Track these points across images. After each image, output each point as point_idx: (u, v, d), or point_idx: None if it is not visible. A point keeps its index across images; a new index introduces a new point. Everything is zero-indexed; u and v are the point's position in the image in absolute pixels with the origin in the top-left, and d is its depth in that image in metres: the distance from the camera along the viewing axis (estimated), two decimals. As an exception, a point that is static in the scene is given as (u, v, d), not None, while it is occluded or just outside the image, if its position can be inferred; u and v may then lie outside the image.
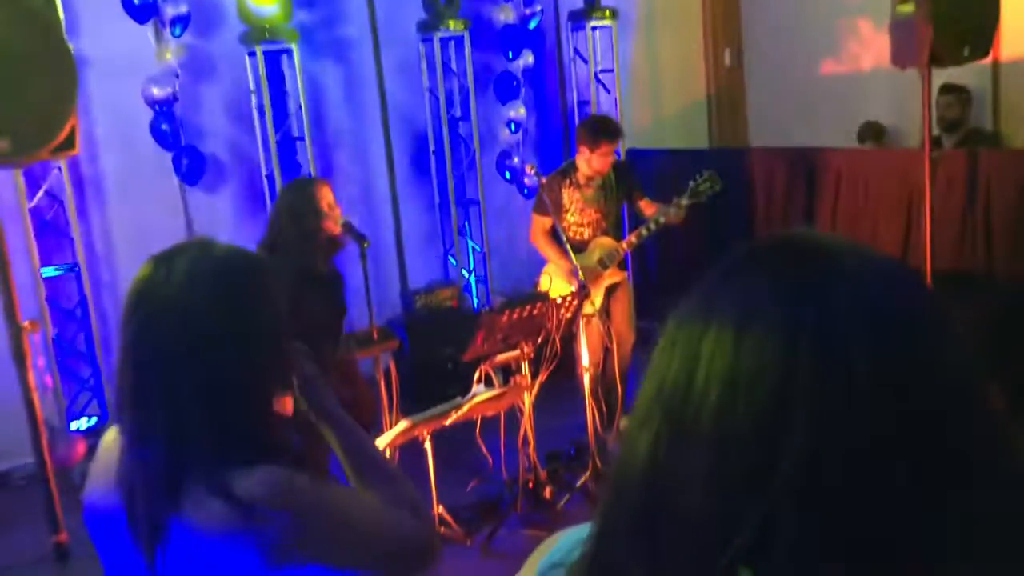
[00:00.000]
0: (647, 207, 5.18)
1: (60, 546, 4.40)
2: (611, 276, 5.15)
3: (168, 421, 1.28)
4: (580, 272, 4.66)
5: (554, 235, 4.99)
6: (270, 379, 1.36)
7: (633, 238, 5.10)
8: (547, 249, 5.09)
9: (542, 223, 5.07)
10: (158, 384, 1.29)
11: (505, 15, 6.82)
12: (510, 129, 6.81)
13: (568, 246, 4.75)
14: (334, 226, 4.14)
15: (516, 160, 6.84)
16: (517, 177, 6.90)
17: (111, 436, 1.46)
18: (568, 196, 5.07)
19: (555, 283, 5.10)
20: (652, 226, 5.05)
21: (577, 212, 5.08)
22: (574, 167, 5.10)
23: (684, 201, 4.99)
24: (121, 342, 1.34)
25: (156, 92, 5.57)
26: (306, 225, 4.05)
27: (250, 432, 1.31)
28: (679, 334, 0.72)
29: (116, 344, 1.37)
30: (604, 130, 4.96)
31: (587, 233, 5.11)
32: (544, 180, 4.95)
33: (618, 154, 5.28)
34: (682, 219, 5.04)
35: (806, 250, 0.73)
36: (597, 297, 4.97)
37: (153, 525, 1.28)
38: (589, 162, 4.96)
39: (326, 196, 4.17)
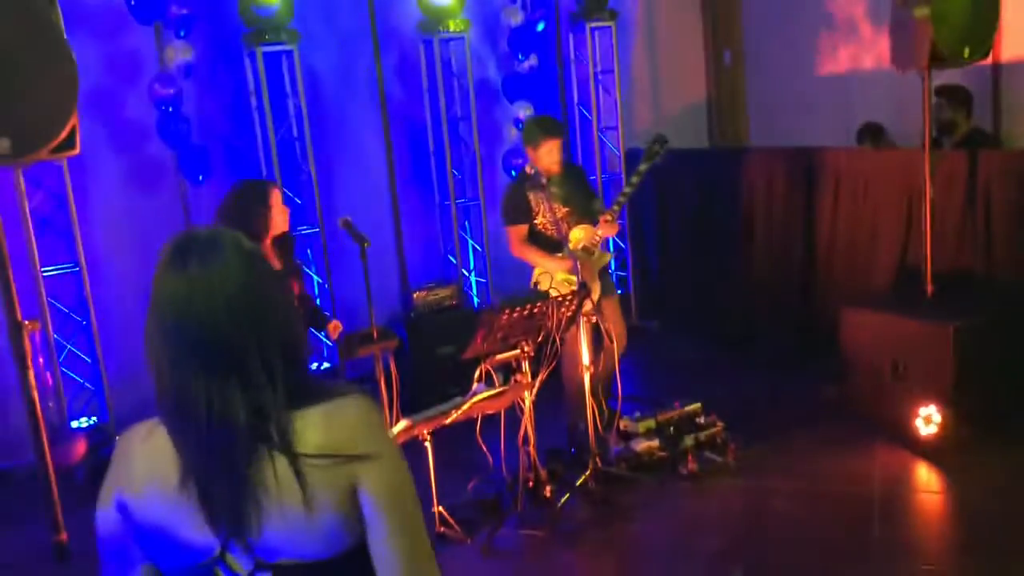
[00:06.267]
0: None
1: (60, 545, 4.40)
2: (600, 258, 5.16)
3: (253, 383, 1.40)
4: (579, 271, 4.70)
5: (533, 240, 5.08)
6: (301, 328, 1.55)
7: (609, 214, 5.07)
8: (534, 256, 5.09)
9: (519, 232, 5.10)
10: (234, 357, 1.40)
11: (513, 17, 6.83)
12: (518, 128, 6.82)
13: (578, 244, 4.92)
14: (282, 224, 4.42)
15: (522, 159, 6.85)
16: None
17: (141, 437, 1.48)
18: (533, 199, 5.07)
19: (555, 282, 5.07)
20: (628, 191, 5.14)
21: (546, 211, 5.07)
22: (527, 172, 5.10)
23: (643, 167, 5.11)
24: (177, 340, 1.41)
25: (160, 92, 5.57)
26: (253, 225, 4.25)
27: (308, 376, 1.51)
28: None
29: (167, 346, 1.42)
30: (544, 128, 5.03)
31: (563, 228, 5.07)
32: (507, 192, 5.12)
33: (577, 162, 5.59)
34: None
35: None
36: (594, 283, 5.01)
37: (240, 505, 1.38)
38: (537, 161, 5.02)
39: (277, 198, 4.43)
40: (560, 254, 4.96)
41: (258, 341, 1.42)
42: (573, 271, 4.88)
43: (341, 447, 1.40)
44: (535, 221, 5.08)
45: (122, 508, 1.46)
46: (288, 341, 1.46)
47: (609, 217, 5.02)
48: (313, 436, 1.40)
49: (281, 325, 1.47)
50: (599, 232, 5.05)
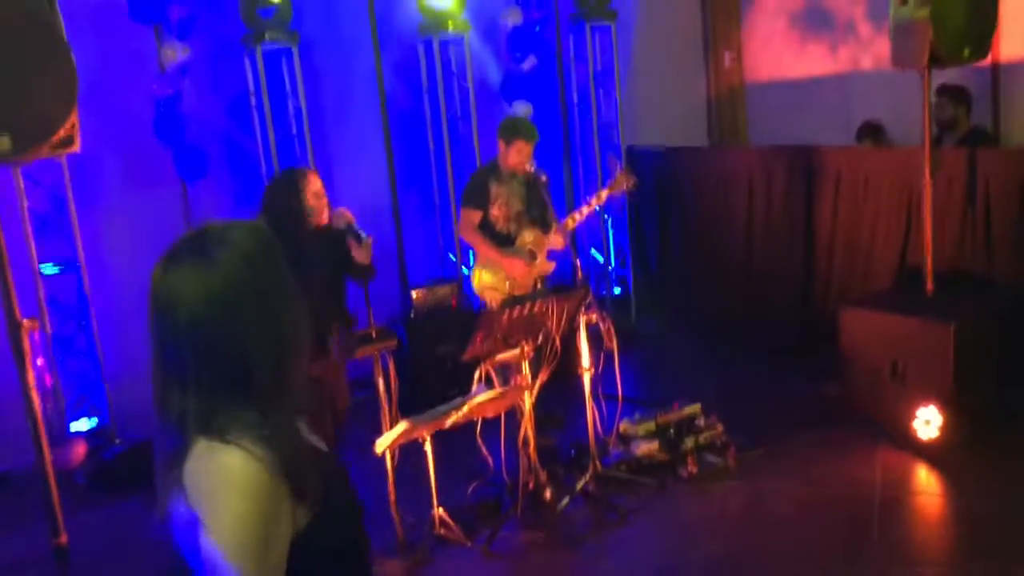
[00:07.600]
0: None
1: (60, 547, 4.39)
2: (541, 267, 5.35)
3: (188, 392, 1.45)
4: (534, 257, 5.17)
5: (483, 229, 5.24)
6: (286, 348, 1.51)
7: (562, 227, 5.21)
8: (482, 244, 5.24)
9: (471, 217, 5.24)
10: (179, 361, 1.45)
11: (512, 17, 6.83)
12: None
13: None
14: (320, 217, 4.23)
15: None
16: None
17: None
18: (494, 189, 5.24)
19: (486, 280, 5.27)
20: (585, 210, 5.31)
21: (503, 205, 5.25)
22: (496, 163, 5.31)
23: (604, 193, 5.32)
24: (152, 330, 1.49)
25: (159, 92, 5.56)
26: (292, 219, 4.13)
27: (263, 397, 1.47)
28: None
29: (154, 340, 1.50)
30: (518, 128, 5.23)
31: (513, 227, 5.29)
32: (471, 176, 5.36)
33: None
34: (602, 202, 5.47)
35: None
36: (529, 290, 5.24)
37: (163, 487, 1.47)
38: (505, 157, 5.21)
39: (312, 186, 4.22)
40: (509, 249, 5.22)
41: (196, 353, 1.44)
42: (520, 274, 5.18)
43: (190, 490, 1.42)
44: (490, 211, 5.25)
45: None
46: (239, 365, 1.45)
47: (560, 229, 5.17)
48: (187, 463, 1.44)
49: (242, 348, 1.45)
50: (548, 239, 5.23)
